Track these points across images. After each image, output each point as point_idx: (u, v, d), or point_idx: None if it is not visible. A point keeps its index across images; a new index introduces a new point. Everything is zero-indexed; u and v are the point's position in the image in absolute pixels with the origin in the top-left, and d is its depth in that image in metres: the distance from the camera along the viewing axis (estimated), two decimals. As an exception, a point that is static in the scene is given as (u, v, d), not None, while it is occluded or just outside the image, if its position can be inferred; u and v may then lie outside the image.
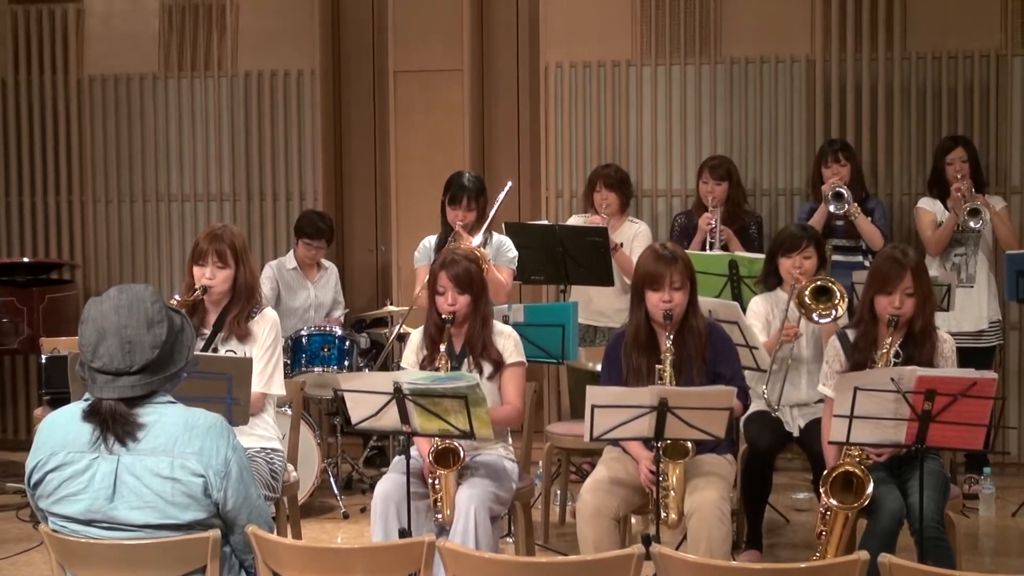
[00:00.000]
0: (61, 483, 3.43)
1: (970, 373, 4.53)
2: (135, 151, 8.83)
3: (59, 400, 5.14)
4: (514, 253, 6.42)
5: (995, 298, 7.19)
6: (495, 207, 6.39)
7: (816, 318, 5.70)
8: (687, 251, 5.43)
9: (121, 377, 3.36)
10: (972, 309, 7.07)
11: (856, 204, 7.09)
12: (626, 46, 8.17)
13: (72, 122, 8.89)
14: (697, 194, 7.54)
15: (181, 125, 8.79)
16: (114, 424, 3.37)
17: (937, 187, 7.19)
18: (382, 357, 7.28)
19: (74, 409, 3.47)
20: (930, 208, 7.18)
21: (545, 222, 7.73)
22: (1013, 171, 7.79)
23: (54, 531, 3.51)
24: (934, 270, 6.70)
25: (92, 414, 3.40)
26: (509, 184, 6.65)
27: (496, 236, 6.44)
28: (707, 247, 7.17)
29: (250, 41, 8.71)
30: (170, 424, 3.41)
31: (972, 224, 6.91)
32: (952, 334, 5.37)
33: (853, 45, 7.91)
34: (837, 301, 5.66)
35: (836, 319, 5.66)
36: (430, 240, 6.44)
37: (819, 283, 5.73)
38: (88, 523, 3.44)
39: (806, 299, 5.69)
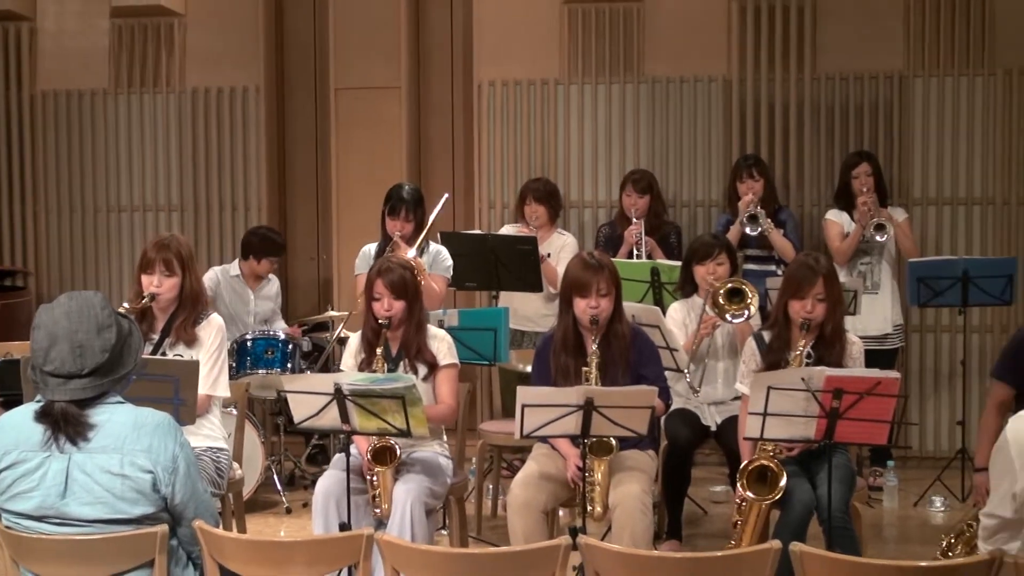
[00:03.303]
0: (14, 481, 3.39)
1: (874, 373, 4.57)
2: (86, 163, 8.74)
3: (12, 402, 5.05)
4: (450, 262, 6.39)
5: (898, 304, 7.29)
6: (432, 218, 6.36)
7: (729, 318, 5.73)
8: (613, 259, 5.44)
9: (72, 380, 3.32)
10: (877, 314, 7.15)
11: (769, 220, 7.16)
12: (554, 66, 8.20)
13: (25, 135, 8.77)
14: (620, 206, 7.58)
15: (131, 139, 8.70)
16: (65, 425, 3.34)
17: (844, 199, 7.28)
18: (322, 359, 7.24)
19: (26, 410, 3.44)
20: (837, 219, 7.26)
21: (478, 231, 7.72)
22: (914, 185, 7.91)
23: (7, 527, 3.47)
24: (842, 277, 6.71)
25: (44, 415, 3.37)
26: (446, 196, 6.62)
27: (433, 246, 6.40)
28: (633, 256, 7.20)
29: (197, 59, 8.65)
30: (120, 423, 3.38)
31: (878, 238, 7.03)
32: (858, 337, 5.43)
33: (767, 66, 7.99)
34: (748, 301, 5.71)
35: (748, 318, 5.71)
36: (370, 248, 6.37)
37: (731, 285, 5.77)
38: (40, 519, 3.41)
39: (720, 300, 5.73)
